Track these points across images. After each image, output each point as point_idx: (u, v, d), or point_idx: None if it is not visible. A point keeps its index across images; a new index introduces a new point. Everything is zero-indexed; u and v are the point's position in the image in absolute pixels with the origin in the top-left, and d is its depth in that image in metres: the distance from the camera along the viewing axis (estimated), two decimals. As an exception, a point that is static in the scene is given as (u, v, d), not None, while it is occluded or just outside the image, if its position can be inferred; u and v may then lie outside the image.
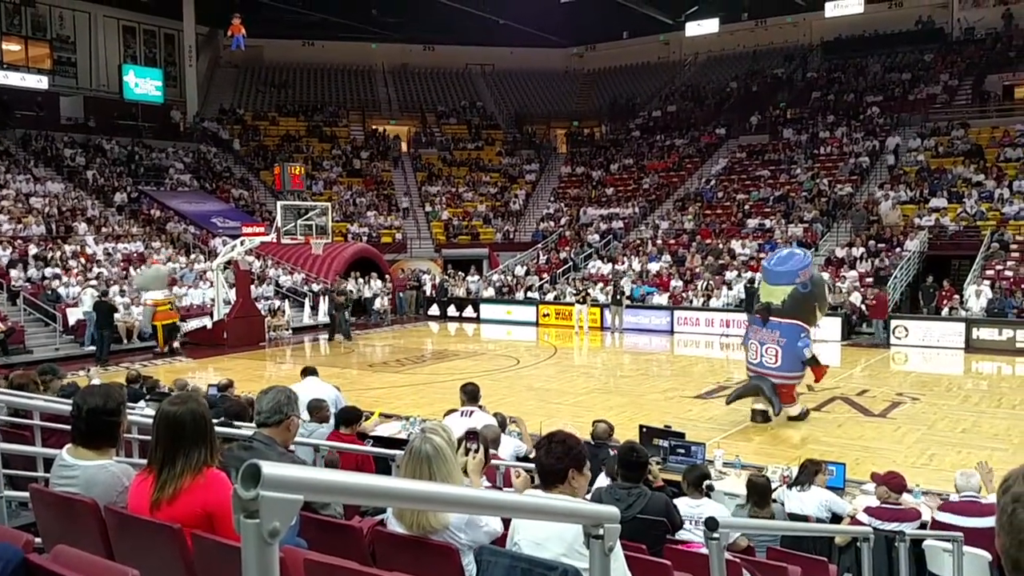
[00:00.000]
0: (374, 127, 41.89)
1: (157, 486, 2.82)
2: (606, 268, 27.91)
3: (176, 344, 19.92)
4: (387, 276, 28.28)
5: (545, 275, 28.59)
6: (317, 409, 7.86)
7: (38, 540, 2.90)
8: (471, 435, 3.65)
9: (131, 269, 23.41)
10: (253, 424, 4.03)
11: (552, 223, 34.02)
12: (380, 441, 8.52)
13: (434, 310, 27.94)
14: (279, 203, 22.51)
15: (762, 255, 26.08)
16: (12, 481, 4.35)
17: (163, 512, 2.78)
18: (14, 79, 31.29)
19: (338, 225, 32.21)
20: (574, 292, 25.57)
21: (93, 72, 35.53)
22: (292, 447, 4.16)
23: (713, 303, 23.60)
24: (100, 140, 32.74)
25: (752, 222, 28.33)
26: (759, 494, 6.27)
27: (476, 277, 29.32)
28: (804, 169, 30.72)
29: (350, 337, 21.72)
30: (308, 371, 9.95)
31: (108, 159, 32.02)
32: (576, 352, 21.49)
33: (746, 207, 29.50)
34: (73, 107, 33.85)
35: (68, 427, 3.23)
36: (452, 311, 27.58)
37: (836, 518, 6.54)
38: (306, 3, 37.31)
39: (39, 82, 32.10)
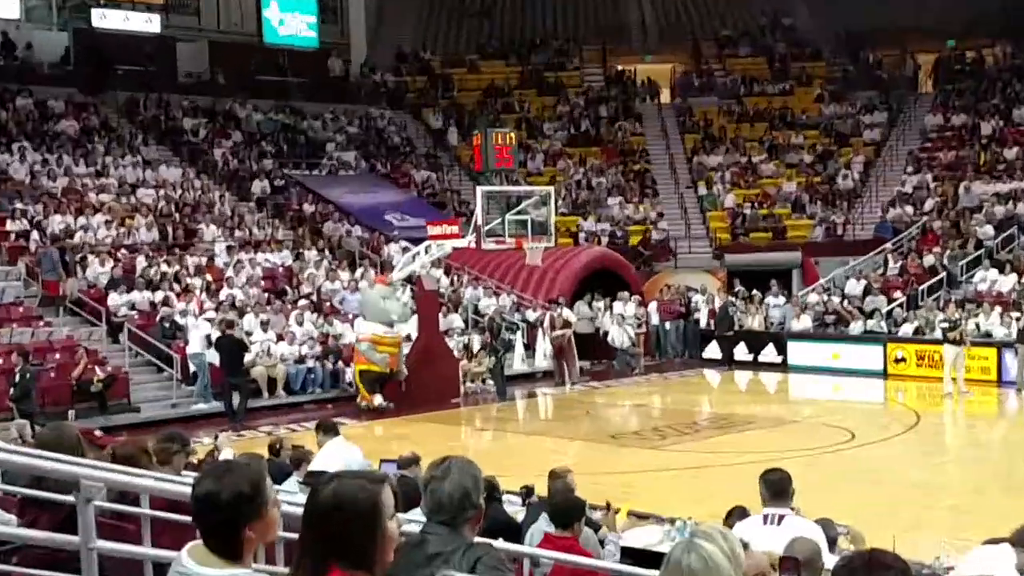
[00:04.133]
0: (620, 68, 42.48)
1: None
2: (1007, 281, 26.25)
3: (380, 400, 21.22)
4: (639, 297, 28.44)
5: (898, 294, 27.39)
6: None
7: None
8: (789, 563, 3.52)
9: (272, 296, 25.33)
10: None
11: (910, 208, 32.57)
12: (630, 554, 8.55)
13: (713, 351, 27.67)
14: (479, 189, 23.36)
15: None
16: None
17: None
18: (115, 20, 33.68)
19: (565, 220, 32.83)
20: (946, 322, 24.24)
21: (221, 7, 38.66)
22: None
23: None
24: (232, 105, 35.92)
25: None
26: None
27: (780, 299, 28.69)
28: None
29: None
30: (327, 428, 10.68)
31: (244, 132, 35.05)
32: (954, 421, 20.50)
33: None
34: (195, 58, 37.14)
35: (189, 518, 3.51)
36: (742, 353, 27.16)
37: None
38: None
39: (148, 23, 34.46)
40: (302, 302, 24.80)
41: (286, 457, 11.01)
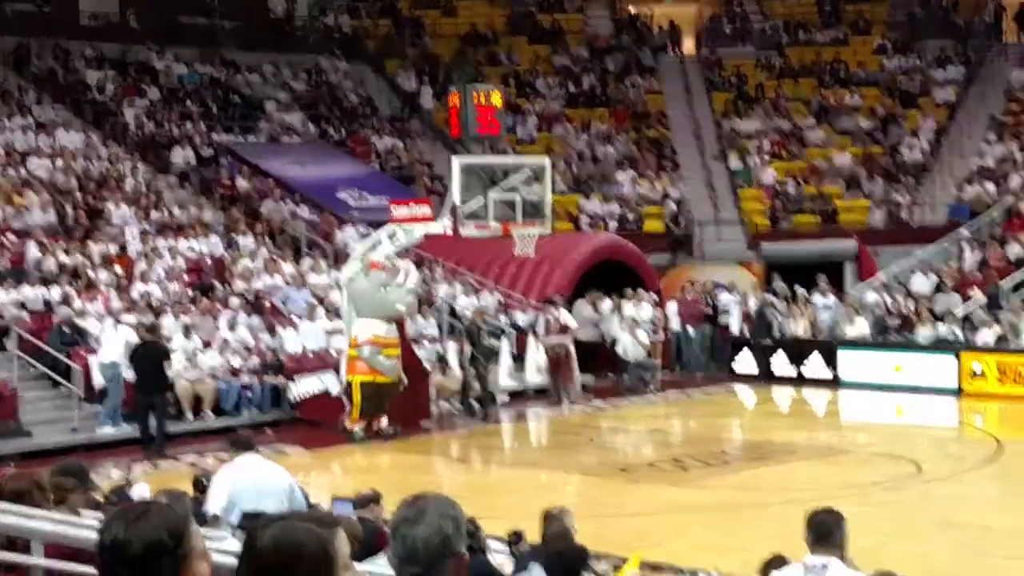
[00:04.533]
0: (630, 10, 42.45)
1: None
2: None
3: (384, 424, 21.04)
4: (655, 296, 28.45)
5: (976, 292, 27.47)
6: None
7: None
8: None
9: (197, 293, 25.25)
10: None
11: (991, 186, 32.66)
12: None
13: (746, 363, 27.71)
14: (457, 161, 23.36)
15: None
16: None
17: None
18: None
19: (563, 200, 32.74)
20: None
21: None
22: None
23: None
24: (147, 54, 35.81)
25: None
26: None
27: (830, 298, 28.77)
28: None
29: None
30: (239, 444, 10.61)
31: (162, 88, 34.93)
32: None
33: None
34: (102, -3, 37.04)
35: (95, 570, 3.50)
36: (782, 365, 27.21)
37: None
38: None
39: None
40: (235, 301, 24.70)
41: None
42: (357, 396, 20.95)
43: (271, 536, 3.06)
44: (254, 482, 9.87)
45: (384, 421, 20.99)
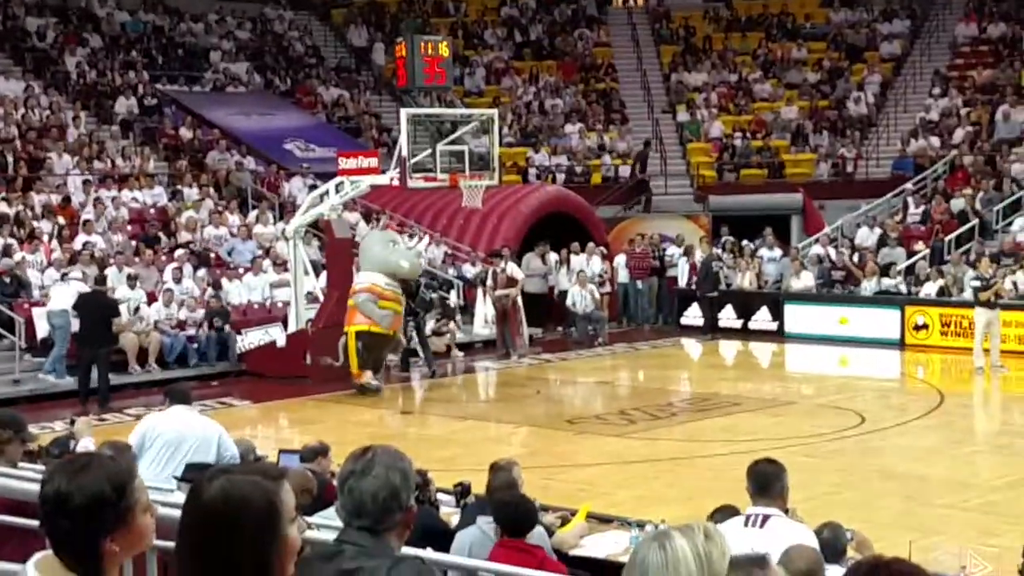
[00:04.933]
0: (580, -40, 42.32)
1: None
2: (1048, 232, 26.62)
3: (370, 377, 20.75)
4: (603, 249, 28.49)
5: (920, 246, 27.67)
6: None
7: None
8: (756, 564, 3.55)
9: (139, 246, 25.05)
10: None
11: (935, 140, 32.84)
12: (589, 565, 8.66)
13: (693, 315, 27.84)
14: (404, 112, 23.26)
15: None
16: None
17: None
18: None
19: (511, 152, 32.69)
20: (978, 280, 24.56)
21: None
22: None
23: None
24: (91, 1, 35.38)
25: None
26: None
27: (776, 252, 28.91)
28: None
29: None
30: (174, 394, 10.49)
31: (104, 36, 34.54)
32: (985, 402, 20.65)
33: None
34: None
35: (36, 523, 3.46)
36: (729, 318, 27.36)
37: None
38: None
39: None
40: (180, 252, 24.59)
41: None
42: (352, 347, 20.71)
43: (217, 488, 3.04)
44: (173, 431, 9.74)
45: (368, 375, 20.82)
